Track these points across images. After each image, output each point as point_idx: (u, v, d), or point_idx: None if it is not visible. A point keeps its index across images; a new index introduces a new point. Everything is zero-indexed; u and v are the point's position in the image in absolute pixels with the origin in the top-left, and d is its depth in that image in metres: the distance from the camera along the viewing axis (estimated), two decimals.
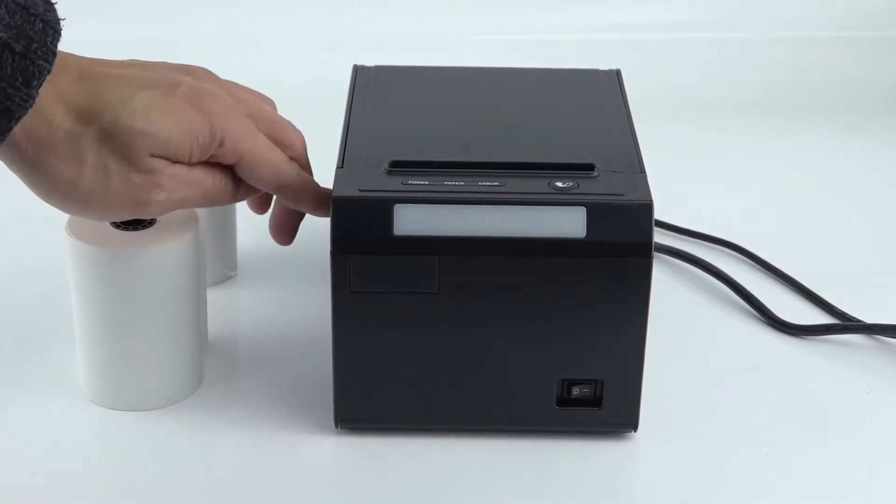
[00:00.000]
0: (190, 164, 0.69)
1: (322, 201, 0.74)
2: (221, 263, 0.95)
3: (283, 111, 0.78)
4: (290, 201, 0.74)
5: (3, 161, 0.66)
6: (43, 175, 0.65)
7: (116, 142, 0.65)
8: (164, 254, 0.76)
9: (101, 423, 0.79)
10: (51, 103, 0.63)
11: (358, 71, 0.90)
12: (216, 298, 0.92)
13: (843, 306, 0.93)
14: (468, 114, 0.85)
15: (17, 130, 0.63)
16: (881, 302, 0.94)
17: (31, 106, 0.61)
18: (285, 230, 0.78)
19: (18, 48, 0.59)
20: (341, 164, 0.76)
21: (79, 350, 0.80)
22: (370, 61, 0.93)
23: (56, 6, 0.63)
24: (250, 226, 0.99)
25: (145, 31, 1.38)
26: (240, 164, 0.71)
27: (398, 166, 0.75)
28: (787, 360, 0.87)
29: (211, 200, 0.71)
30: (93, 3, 1.37)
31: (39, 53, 0.60)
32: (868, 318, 0.91)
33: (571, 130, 0.82)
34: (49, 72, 0.61)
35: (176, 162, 0.68)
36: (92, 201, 0.66)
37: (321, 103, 1.04)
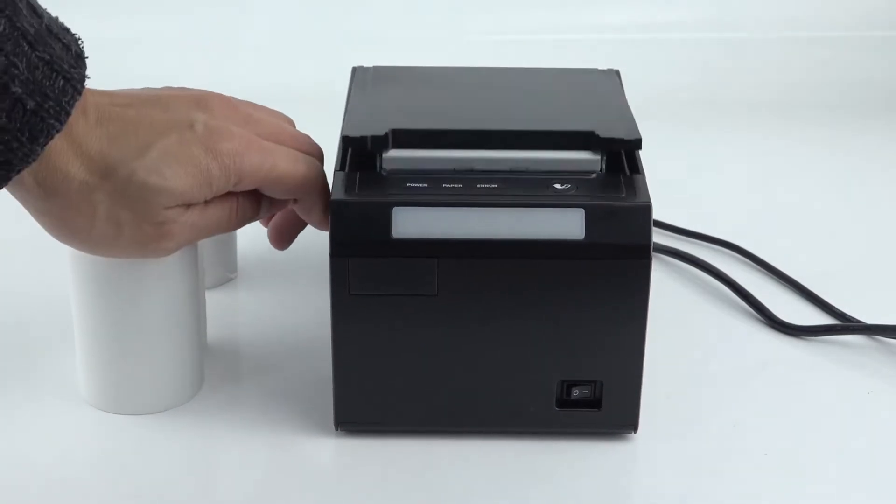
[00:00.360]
0: (205, 204, 0.70)
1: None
2: (222, 266, 0.95)
3: (283, 111, 0.78)
4: (303, 209, 0.75)
5: (16, 198, 0.66)
6: (54, 219, 0.65)
7: (130, 197, 0.65)
8: (163, 256, 0.76)
9: (101, 427, 0.79)
10: (66, 156, 0.63)
11: (356, 72, 0.90)
12: (216, 301, 0.92)
13: (843, 306, 0.93)
14: (466, 105, 0.84)
15: (29, 179, 0.63)
16: (881, 302, 0.94)
17: (33, 161, 0.60)
18: (285, 236, 0.79)
19: (31, 105, 0.58)
20: (339, 167, 0.76)
21: (79, 354, 0.80)
22: (369, 62, 0.93)
23: (87, 60, 0.62)
24: (250, 228, 0.99)
25: (147, 31, 1.38)
26: (261, 189, 0.72)
27: (399, 135, 0.74)
28: (787, 360, 0.87)
29: (227, 229, 0.72)
30: (96, 3, 1.37)
31: (52, 112, 0.60)
32: (868, 318, 0.91)
33: (571, 107, 0.82)
34: (59, 131, 0.60)
35: (190, 206, 0.68)
36: (101, 247, 0.67)
37: (321, 103, 1.04)
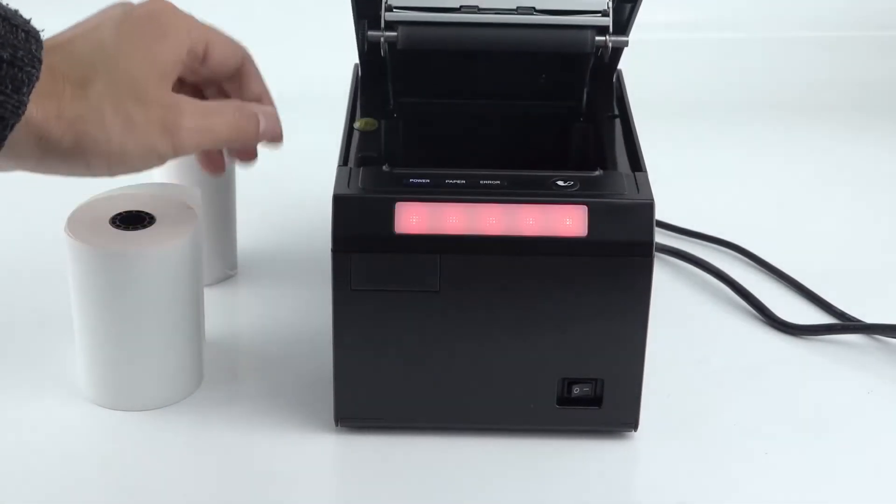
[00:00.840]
0: (198, 93, 0.72)
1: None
2: (222, 263, 0.95)
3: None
4: (248, 74, 0.76)
5: (28, 158, 0.66)
6: (73, 141, 0.66)
7: (118, 85, 0.66)
8: (163, 253, 0.76)
9: (100, 423, 0.79)
10: (52, 83, 0.64)
11: (357, 69, 0.90)
12: (216, 298, 0.92)
13: (843, 306, 0.93)
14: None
15: (34, 112, 0.63)
16: (881, 302, 0.94)
17: (23, 113, 0.61)
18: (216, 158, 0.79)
19: (6, 55, 0.60)
20: (343, 162, 0.76)
21: (79, 350, 0.80)
22: None
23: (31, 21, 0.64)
24: (250, 225, 0.99)
25: None
26: (209, 48, 0.72)
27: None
28: (787, 360, 0.87)
29: (238, 132, 0.72)
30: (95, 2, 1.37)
31: (26, 60, 0.61)
32: (868, 318, 0.91)
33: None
34: (38, 78, 0.62)
35: (181, 89, 0.70)
36: (128, 150, 0.67)
37: (321, 103, 1.04)
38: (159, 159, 0.69)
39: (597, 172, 0.75)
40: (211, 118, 0.70)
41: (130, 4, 0.71)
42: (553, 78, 0.84)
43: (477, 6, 0.75)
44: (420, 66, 0.82)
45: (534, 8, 0.76)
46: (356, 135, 0.81)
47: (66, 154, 0.66)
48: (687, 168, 1.16)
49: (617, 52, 0.82)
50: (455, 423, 0.77)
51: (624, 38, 0.77)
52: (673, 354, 0.86)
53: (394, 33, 0.76)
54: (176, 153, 0.68)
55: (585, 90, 0.85)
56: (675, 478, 0.75)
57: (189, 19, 0.71)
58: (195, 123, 0.69)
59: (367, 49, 0.76)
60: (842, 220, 1.08)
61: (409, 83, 0.83)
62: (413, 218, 0.71)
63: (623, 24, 0.79)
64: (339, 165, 0.75)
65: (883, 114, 1.29)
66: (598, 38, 0.77)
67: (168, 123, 0.67)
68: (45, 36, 0.65)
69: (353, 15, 0.76)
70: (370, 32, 0.76)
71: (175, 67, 0.69)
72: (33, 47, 0.62)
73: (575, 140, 0.85)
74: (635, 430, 0.78)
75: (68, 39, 0.67)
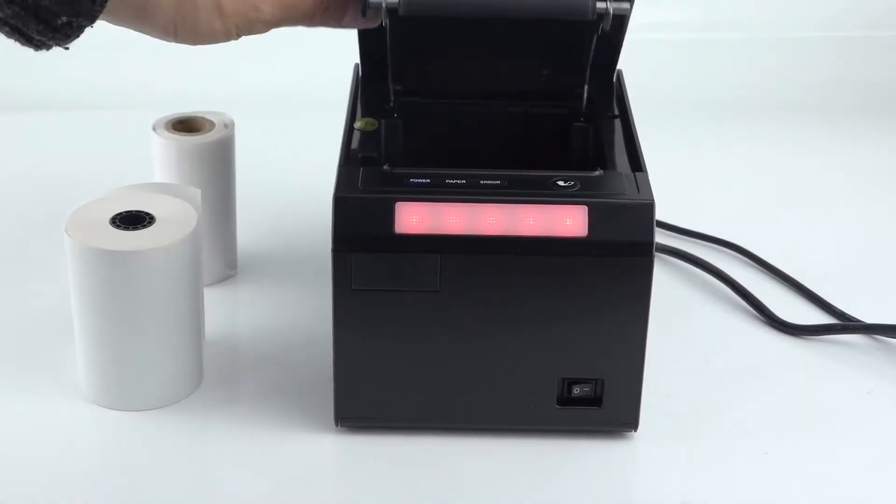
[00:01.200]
0: None
1: None
2: (221, 263, 0.95)
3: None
4: None
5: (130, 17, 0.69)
6: (163, 16, 0.69)
7: None
8: (162, 253, 0.76)
9: (101, 423, 0.79)
10: None
11: (358, 69, 0.90)
12: (216, 297, 0.92)
13: (843, 306, 0.93)
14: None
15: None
16: (881, 302, 0.94)
17: None
18: None
19: None
20: (343, 162, 0.76)
21: (79, 350, 0.80)
22: None
23: None
24: (250, 225, 0.99)
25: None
26: None
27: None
28: (787, 360, 0.87)
29: (310, 18, 0.73)
30: None
31: None
32: (868, 318, 0.91)
33: None
34: None
35: None
36: (217, 26, 0.70)
37: (321, 103, 1.04)
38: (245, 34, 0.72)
39: (597, 172, 0.75)
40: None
41: None
42: (556, 58, 0.83)
43: None
44: (420, 38, 0.81)
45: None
46: (356, 135, 0.81)
47: (156, 20, 0.69)
48: (687, 168, 1.16)
49: (619, 20, 0.80)
50: (455, 423, 0.77)
51: (625, 5, 0.76)
52: (673, 354, 0.86)
53: None
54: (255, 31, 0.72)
55: (586, 88, 0.85)
56: (675, 478, 0.75)
57: None
58: (272, 10, 0.71)
59: (367, 36, 0.75)
60: (842, 220, 1.08)
61: (408, 55, 0.82)
62: (413, 218, 0.71)
63: None
64: (339, 165, 0.75)
65: (884, 114, 1.29)
66: (598, 4, 0.76)
67: (251, 13, 0.70)
68: None
69: None
70: None
71: None
72: None
73: (575, 140, 0.85)
74: (635, 430, 0.78)
75: None
